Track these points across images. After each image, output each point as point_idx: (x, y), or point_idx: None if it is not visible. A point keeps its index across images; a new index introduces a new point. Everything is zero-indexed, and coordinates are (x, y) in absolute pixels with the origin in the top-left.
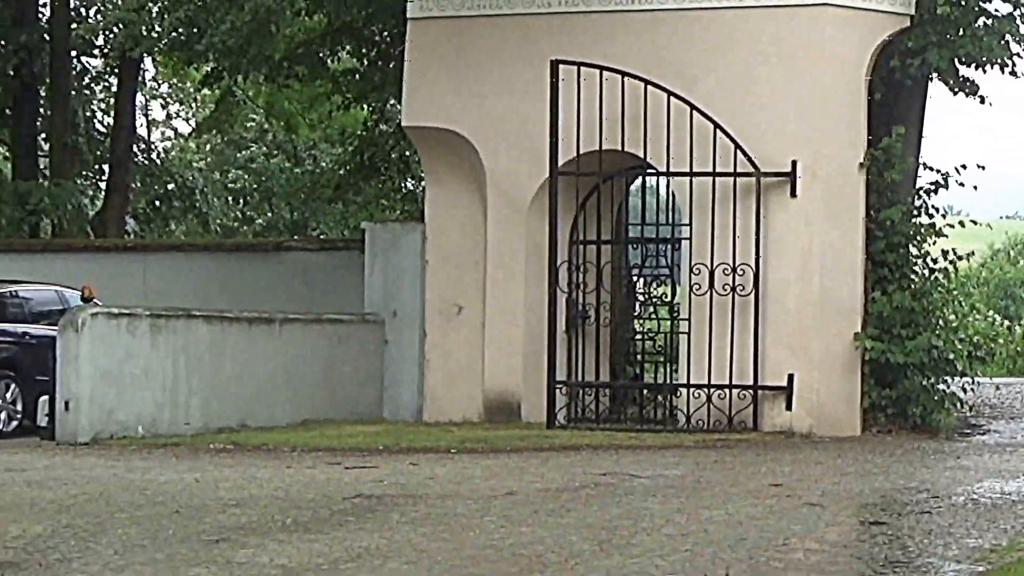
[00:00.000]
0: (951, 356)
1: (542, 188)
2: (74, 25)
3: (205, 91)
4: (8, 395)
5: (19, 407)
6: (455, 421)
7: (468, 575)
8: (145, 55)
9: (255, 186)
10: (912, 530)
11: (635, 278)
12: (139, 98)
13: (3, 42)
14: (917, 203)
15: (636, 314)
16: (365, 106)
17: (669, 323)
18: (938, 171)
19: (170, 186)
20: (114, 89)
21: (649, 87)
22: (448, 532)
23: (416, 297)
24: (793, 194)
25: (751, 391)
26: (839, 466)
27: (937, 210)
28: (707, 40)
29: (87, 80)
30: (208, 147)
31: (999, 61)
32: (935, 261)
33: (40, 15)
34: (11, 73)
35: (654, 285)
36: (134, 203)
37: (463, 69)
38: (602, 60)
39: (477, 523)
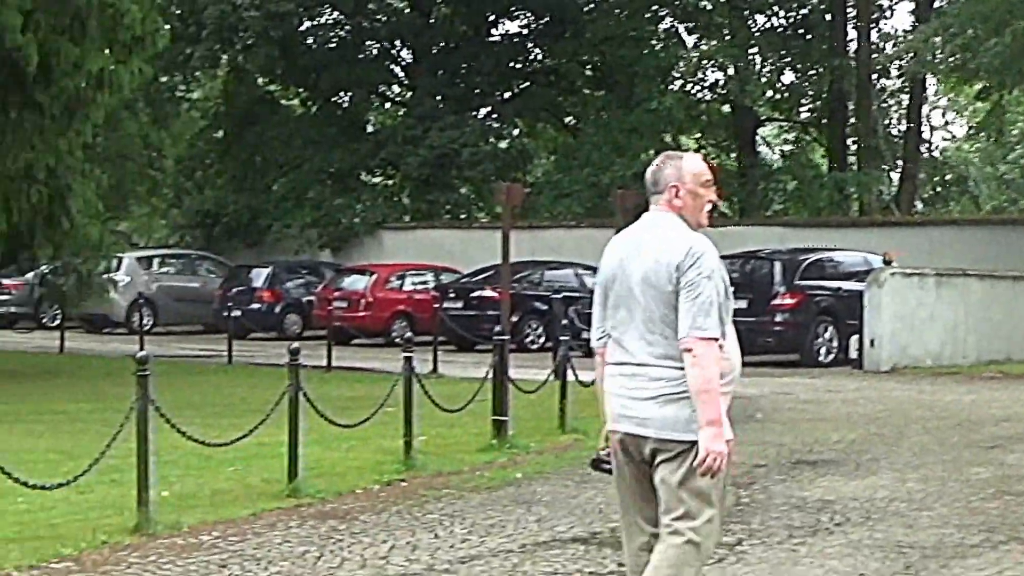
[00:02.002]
0: None
1: None
2: (874, 55)
3: (978, 103)
4: (827, 335)
5: (835, 344)
6: None
7: None
8: (930, 76)
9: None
10: None
11: None
12: (924, 109)
13: (822, 67)
14: None
15: None
16: None
17: None
18: None
19: (947, 176)
20: (905, 103)
21: None
22: None
23: None
24: None
25: None
26: None
27: None
28: None
29: (884, 96)
30: (977, 146)
31: None
32: None
33: (848, 47)
34: (826, 91)
35: None
36: (920, 189)
37: None
38: None
39: None
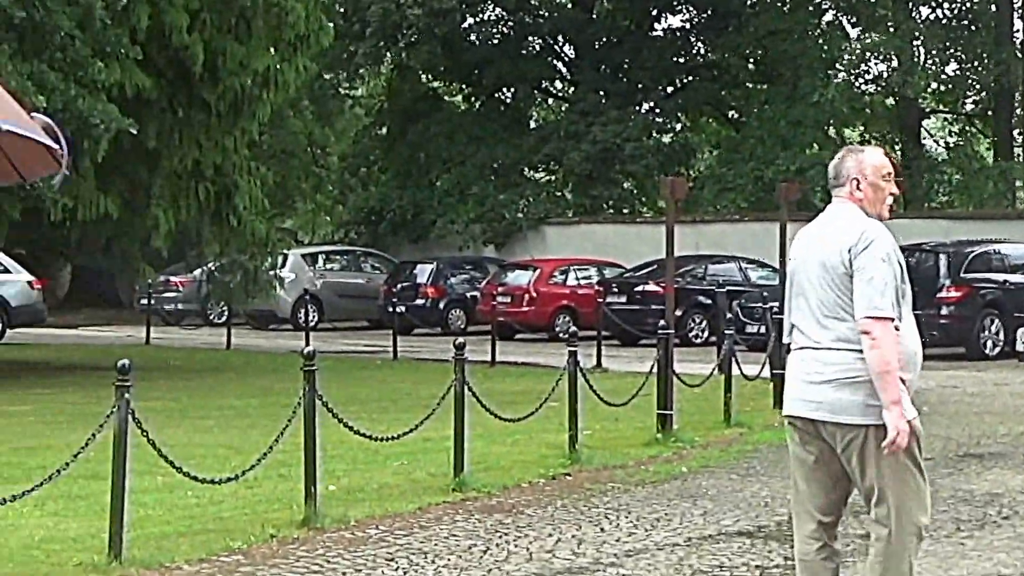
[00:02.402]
0: None
1: None
2: None
3: None
4: (993, 328)
5: (1001, 337)
6: None
7: None
8: None
9: None
10: None
11: None
12: None
13: (987, 59)
14: None
15: None
16: None
17: None
18: None
19: None
20: None
21: None
22: None
23: None
24: None
25: None
26: None
27: None
28: None
29: None
30: None
31: None
32: None
33: (1014, 38)
34: (993, 83)
35: None
36: None
37: None
38: None
39: None
